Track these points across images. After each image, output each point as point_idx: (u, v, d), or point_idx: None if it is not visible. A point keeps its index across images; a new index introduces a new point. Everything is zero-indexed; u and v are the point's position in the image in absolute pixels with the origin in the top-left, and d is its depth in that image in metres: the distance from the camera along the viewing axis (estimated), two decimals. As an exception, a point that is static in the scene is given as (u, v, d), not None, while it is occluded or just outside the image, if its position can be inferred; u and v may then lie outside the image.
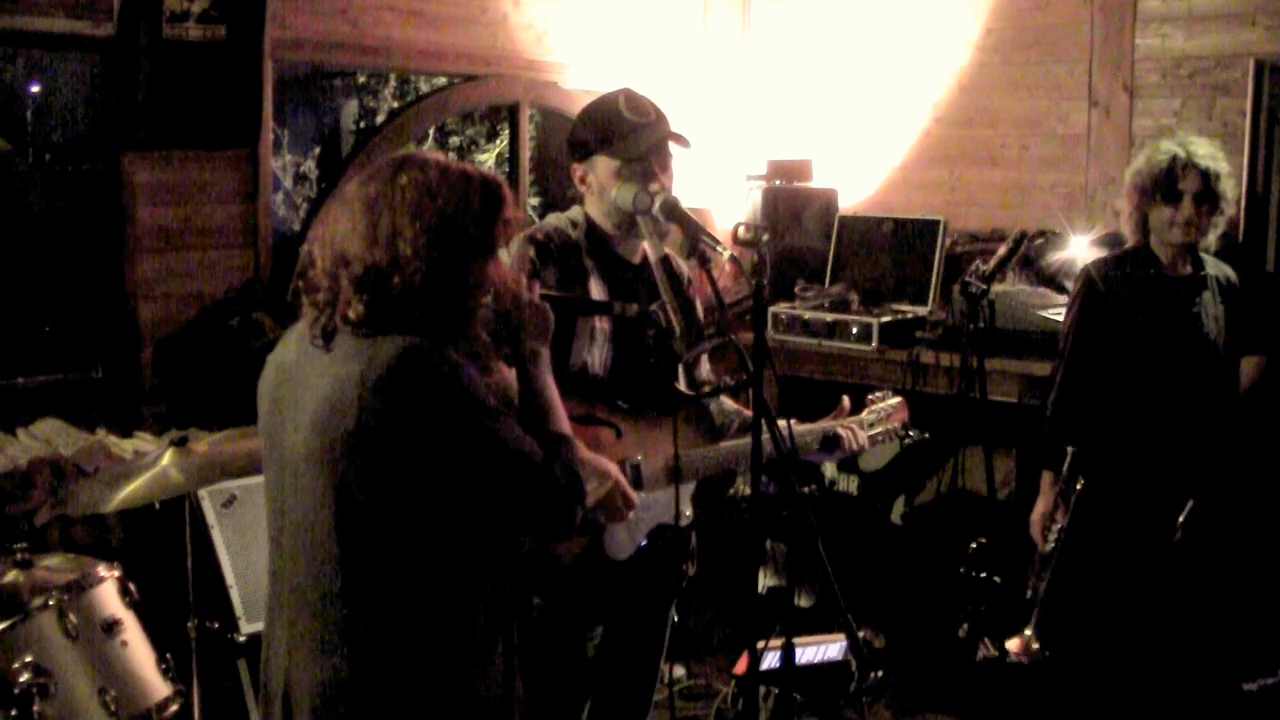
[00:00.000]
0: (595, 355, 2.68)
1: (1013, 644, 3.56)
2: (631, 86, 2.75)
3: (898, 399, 3.14)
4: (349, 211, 2.01)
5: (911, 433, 3.15)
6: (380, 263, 1.95)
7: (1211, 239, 3.59)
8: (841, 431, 2.92)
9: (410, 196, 1.97)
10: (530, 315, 2.16)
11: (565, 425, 2.15)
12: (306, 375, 2.02)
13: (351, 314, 1.95)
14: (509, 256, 2.40)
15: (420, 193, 1.98)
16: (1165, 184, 3.46)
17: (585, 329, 2.66)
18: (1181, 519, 3.48)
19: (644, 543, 2.69)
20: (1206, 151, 3.47)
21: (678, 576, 2.88)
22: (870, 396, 3.10)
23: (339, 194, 2.07)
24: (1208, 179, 3.43)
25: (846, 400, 3.03)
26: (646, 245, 2.68)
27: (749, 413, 2.90)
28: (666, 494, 2.69)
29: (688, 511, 2.77)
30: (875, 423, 3.05)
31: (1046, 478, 3.64)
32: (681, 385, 2.82)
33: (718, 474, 2.82)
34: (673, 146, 2.71)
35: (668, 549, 2.79)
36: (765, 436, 2.40)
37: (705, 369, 2.98)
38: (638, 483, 2.61)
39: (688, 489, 2.75)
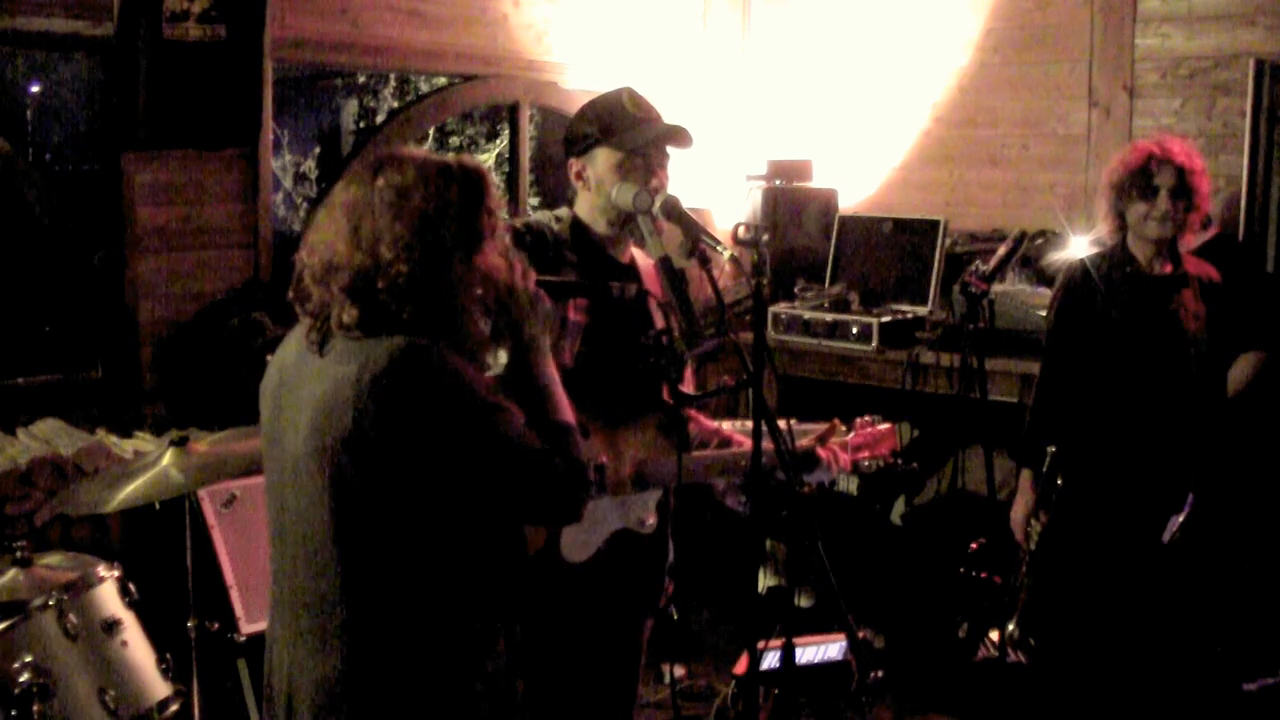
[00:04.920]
0: (565, 345, 2.61)
1: (995, 635, 3.57)
2: (633, 86, 2.74)
3: (886, 426, 3.01)
4: (332, 218, 2.01)
5: (900, 462, 3.00)
6: (366, 267, 1.94)
7: (1191, 238, 3.61)
8: (822, 453, 2.83)
9: (388, 198, 1.97)
10: (527, 303, 2.15)
11: (568, 413, 2.14)
12: (305, 377, 2.02)
13: (346, 318, 1.95)
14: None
15: (397, 194, 1.97)
16: (1141, 180, 3.48)
17: (557, 320, 2.59)
18: (1180, 521, 3.48)
19: (603, 547, 2.62)
20: (1181, 148, 3.50)
21: (653, 593, 2.81)
22: (859, 420, 3.00)
23: (325, 200, 2.07)
24: (1182, 174, 3.45)
25: (838, 421, 2.94)
26: (647, 245, 2.65)
27: (726, 431, 2.87)
28: (631, 500, 2.63)
29: (650, 520, 2.68)
30: (861, 446, 2.93)
31: (1026, 476, 3.65)
32: (681, 387, 2.80)
33: (693, 484, 2.72)
34: (671, 149, 2.68)
35: (638, 563, 2.72)
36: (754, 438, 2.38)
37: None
38: (601, 485, 2.55)
39: (653, 496, 2.67)
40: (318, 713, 1.99)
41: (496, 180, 7.95)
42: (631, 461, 2.61)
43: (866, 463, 2.93)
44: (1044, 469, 3.54)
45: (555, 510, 2.11)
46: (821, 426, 2.94)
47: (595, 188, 2.66)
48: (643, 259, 2.77)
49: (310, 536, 1.99)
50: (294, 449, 2.01)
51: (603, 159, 2.64)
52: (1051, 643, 3.60)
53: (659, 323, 2.65)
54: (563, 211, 2.74)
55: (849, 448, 2.91)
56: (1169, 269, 3.57)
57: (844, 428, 2.95)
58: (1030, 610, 3.55)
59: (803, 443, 2.85)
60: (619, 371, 2.65)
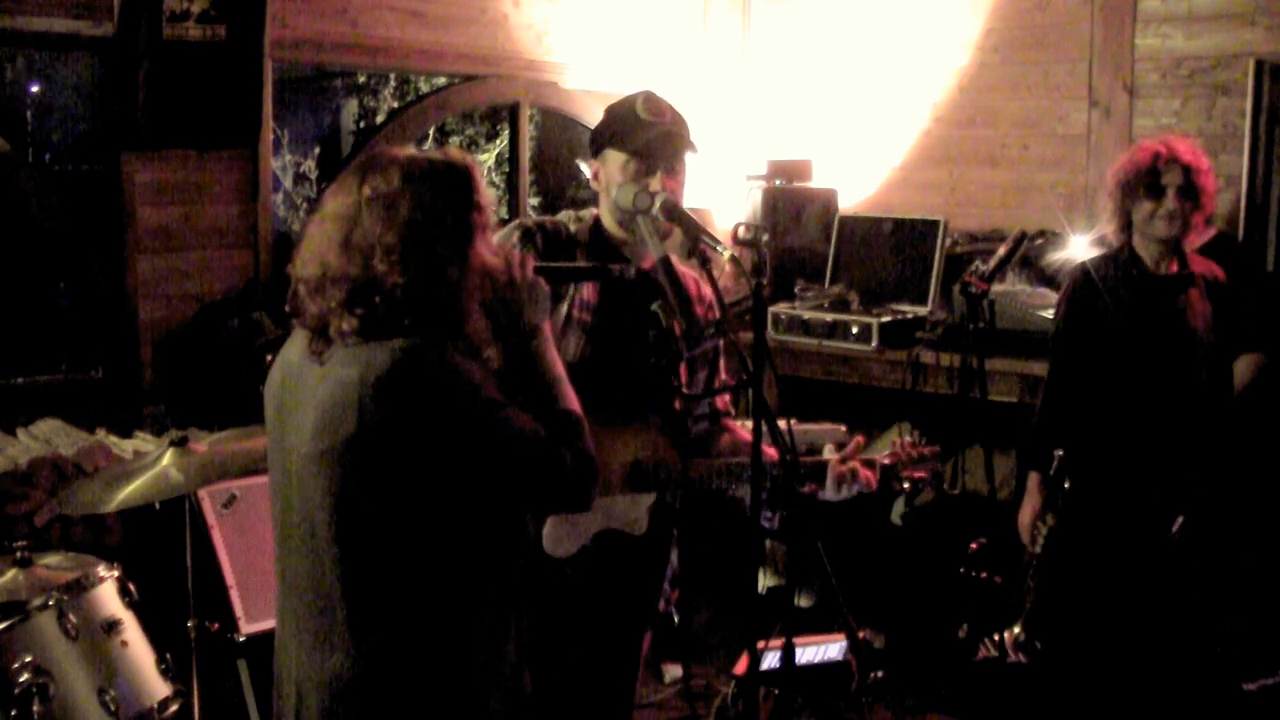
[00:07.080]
0: (569, 343, 2.62)
1: (1001, 637, 3.57)
2: (653, 90, 2.74)
3: (932, 449, 2.84)
4: (323, 229, 2.00)
5: (942, 488, 2.92)
6: (360, 278, 1.94)
7: (1195, 238, 3.61)
8: (840, 469, 2.71)
9: (376, 210, 1.96)
10: (525, 292, 2.14)
11: (573, 401, 2.13)
12: (307, 379, 2.02)
13: (345, 327, 1.95)
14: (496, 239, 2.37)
15: (384, 203, 1.96)
16: (1148, 179, 3.48)
17: (560, 315, 2.61)
18: (1176, 527, 3.48)
19: (588, 544, 2.59)
20: (1187, 147, 3.51)
21: (652, 600, 2.78)
22: (895, 440, 2.86)
23: (316, 210, 2.06)
24: (1189, 173, 3.46)
25: (861, 438, 2.82)
26: (648, 245, 2.65)
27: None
28: (623, 500, 2.61)
29: (643, 522, 2.65)
30: (898, 465, 2.78)
31: (1034, 479, 3.65)
32: (683, 387, 2.79)
33: (699, 490, 2.68)
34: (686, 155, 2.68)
35: (635, 567, 2.70)
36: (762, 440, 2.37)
37: (722, 372, 2.87)
38: None
39: (645, 499, 2.65)
40: (326, 711, 2.00)
41: (495, 180, 7.95)
42: (624, 462, 2.61)
43: (905, 483, 2.79)
44: (1051, 472, 3.54)
45: (563, 502, 2.12)
46: (828, 427, 2.91)
47: (605, 188, 2.69)
48: (655, 255, 2.76)
49: (313, 536, 1.99)
50: (298, 450, 2.01)
51: (611, 160, 2.67)
52: (1059, 645, 3.59)
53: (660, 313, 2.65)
54: (586, 212, 2.77)
55: (876, 466, 2.76)
56: (1175, 269, 3.57)
57: (863, 442, 2.84)
58: (1037, 613, 3.55)
59: (822, 456, 2.75)
60: (622, 371, 2.65)
